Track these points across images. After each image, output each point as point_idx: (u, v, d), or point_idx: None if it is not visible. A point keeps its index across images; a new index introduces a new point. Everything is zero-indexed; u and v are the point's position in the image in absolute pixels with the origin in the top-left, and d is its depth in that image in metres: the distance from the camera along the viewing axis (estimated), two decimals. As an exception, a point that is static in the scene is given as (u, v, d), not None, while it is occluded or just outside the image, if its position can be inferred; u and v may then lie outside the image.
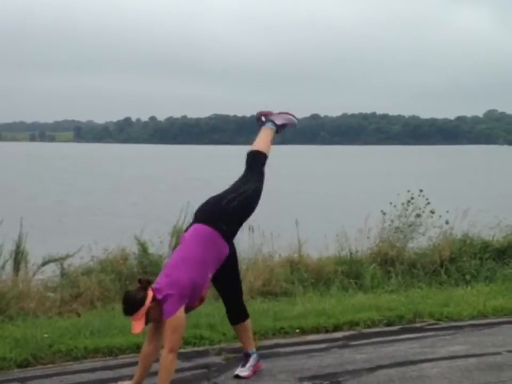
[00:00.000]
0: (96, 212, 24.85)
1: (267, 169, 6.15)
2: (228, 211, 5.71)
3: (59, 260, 9.49)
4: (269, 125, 6.41)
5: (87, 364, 6.25)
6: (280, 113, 6.50)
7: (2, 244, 9.37)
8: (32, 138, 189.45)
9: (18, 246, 9.39)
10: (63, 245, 10.54)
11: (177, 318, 5.28)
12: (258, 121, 6.52)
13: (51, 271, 9.46)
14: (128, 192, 28.86)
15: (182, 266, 5.39)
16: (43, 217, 21.37)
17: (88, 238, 10.44)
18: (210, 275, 5.57)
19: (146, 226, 10.20)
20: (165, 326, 5.32)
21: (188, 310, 5.46)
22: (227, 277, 5.89)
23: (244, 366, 5.98)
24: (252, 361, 6.02)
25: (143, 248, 9.70)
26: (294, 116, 6.54)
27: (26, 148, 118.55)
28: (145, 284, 5.35)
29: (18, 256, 9.35)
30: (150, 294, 5.28)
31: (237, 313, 6.04)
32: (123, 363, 6.10)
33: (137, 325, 5.25)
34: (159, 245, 9.96)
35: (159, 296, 5.30)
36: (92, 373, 6.00)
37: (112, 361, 6.33)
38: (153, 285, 5.38)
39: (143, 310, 5.23)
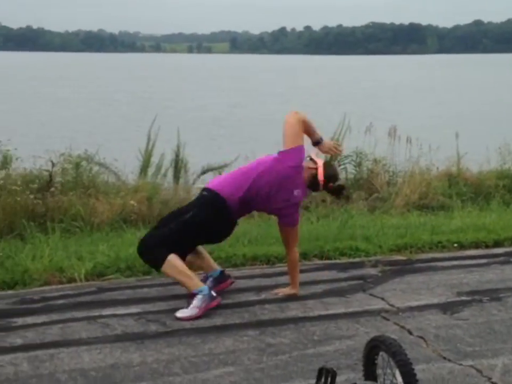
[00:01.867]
0: (255, 121, 24.93)
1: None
2: None
3: (217, 169, 9.72)
4: None
5: (246, 271, 6.41)
6: None
7: (163, 152, 9.71)
8: (190, 50, 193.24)
9: (177, 155, 9.70)
10: (222, 155, 10.76)
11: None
12: None
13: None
14: (285, 102, 28.81)
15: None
16: (203, 128, 21.88)
17: (245, 148, 10.60)
18: None
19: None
20: (290, 232, 5.64)
21: None
22: None
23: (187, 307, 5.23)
24: (196, 302, 5.21)
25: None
26: None
27: (184, 60, 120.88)
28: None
29: (178, 165, 9.68)
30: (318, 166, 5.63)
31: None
32: (280, 271, 6.20)
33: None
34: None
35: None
36: (250, 279, 6.15)
37: (269, 270, 6.45)
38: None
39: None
